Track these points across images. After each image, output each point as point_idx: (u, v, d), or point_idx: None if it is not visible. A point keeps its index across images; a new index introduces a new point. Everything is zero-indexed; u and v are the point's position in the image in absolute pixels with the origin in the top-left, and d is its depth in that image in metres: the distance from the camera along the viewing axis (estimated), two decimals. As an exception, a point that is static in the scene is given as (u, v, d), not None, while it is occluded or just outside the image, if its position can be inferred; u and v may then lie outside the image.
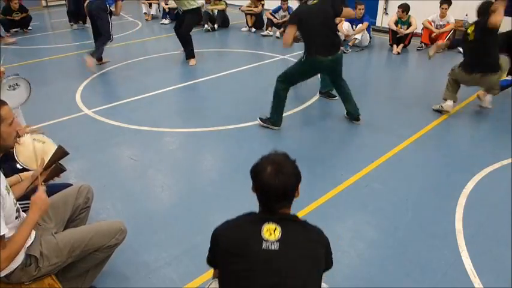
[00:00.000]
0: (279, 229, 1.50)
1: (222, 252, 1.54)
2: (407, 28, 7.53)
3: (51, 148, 2.17)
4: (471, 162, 3.76)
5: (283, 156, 1.57)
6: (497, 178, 3.48)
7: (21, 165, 2.16)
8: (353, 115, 4.45)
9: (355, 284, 2.41)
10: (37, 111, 4.67)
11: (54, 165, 2.06)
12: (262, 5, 9.44)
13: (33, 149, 2.18)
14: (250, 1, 9.51)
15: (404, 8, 7.41)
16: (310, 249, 1.53)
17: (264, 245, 1.46)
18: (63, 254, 1.91)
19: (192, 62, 6.60)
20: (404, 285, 2.39)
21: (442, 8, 7.44)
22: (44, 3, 12.81)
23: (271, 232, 1.49)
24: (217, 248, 1.57)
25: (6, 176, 1.94)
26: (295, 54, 7.48)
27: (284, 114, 4.47)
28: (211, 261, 1.68)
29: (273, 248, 1.46)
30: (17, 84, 2.65)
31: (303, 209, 3.05)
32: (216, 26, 9.46)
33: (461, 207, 3.08)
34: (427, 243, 2.73)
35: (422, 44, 7.77)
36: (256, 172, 1.54)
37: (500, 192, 3.29)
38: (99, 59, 6.44)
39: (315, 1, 3.97)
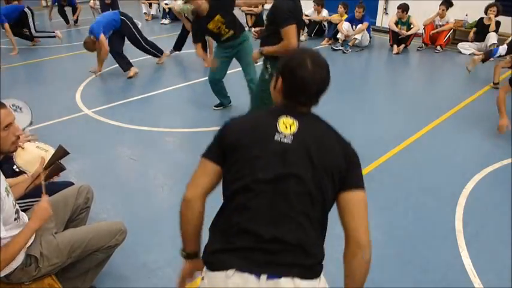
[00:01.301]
0: (296, 124, 1.33)
1: (228, 144, 1.36)
2: (408, 28, 7.52)
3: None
4: (471, 162, 3.76)
5: (317, 52, 1.41)
6: (497, 178, 3.48)
7: (17, 168, 2.16)
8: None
9: (355, 284, 2.41)
10: (37, 111, 4.65)
11: (54, 164, 2.06)
12: (263, 5, 9.43)
13: (34, 155, 2.18)
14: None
15: (404, 8, 7.41)
16: (330, 155, 1.32)
17: (277, 137, 1.31)
18: (63, 254, 1.91)
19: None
20: (404, 285, 2.39)
21: (441, 9, 7.45)
22: (44, 3, 12.82)
23: (287, 125, 1.33)
24: (223, 139, 1.39)
25: (6, 177, 1.94)
26: (295, 54, 7.48)
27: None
28: (210, 154, 1.41)
29: (285, 141, 1.31)
30: (20, 108, 2.59)
31: (303, 209, 3.05)
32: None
33: (461, 207, 3.08)
34: (427, 243, 2.73)
35: (423, 44, 7.77)
36: (293, 67, 1.36)
37: (500, 192, 3.29)
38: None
39: None
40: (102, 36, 5.72)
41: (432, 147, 4.08)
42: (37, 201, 2.12)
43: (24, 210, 1.94)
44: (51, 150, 2.27)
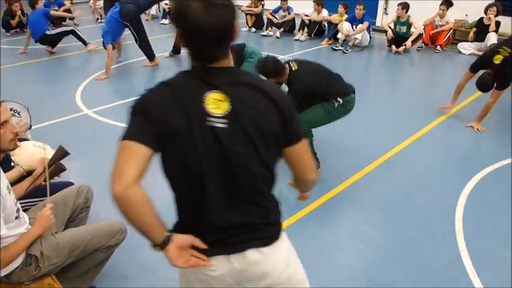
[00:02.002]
0: (227, 100, 1.19)
1: (157, 124, 1.18)
2: (407, 28, 7.53)
3: (50, 155, 2.17)
4: (471, 162, 3.76)
5: None
6: (497, 178, 3.49)
7: (14, 165, 2.16)
8: None
9: (355, 284, 2.41)
10: (37, 111, 4.66)
11: (55, 165, 2.06)
12: (262, 5, 9.44)
13: (30, 153, 2.18)
14: (250, 1, 9.51)
15: (404, 6, 7.39)
16: (267, 121, 1.22)
17: (209, 122, 1.18)
18: (63, 254, 1.91)
19: None
20: (404, 285, 2.39)
21: (441, 9, 7.46)
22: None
23: (217, 104, 1.18)
24: (149, 118, 1.19)
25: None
26: (294, 54, 7.49)
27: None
28: (136, 135, 1.18)
29: (219, 126, 1.18)
30: (18, 113, 2.58)
31: (303, 209, 3.05)
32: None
33: (461, 207, 3.08)
34: (427, 243, 2.73)
35: (423, 44, 7.78)
36: (179, 15, 1.15)
37: (500, 192, 3.29)
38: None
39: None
40: (109, 46, 5.98)
41: (432, 147, 4.08)
42: (37, 201, 2.13)
43: (24, 211, 1.93)
44: (48, 149, 2.27)
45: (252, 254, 1.29)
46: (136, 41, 6.35)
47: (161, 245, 1.23)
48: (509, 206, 3.09)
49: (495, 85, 4.25)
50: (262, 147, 1.23)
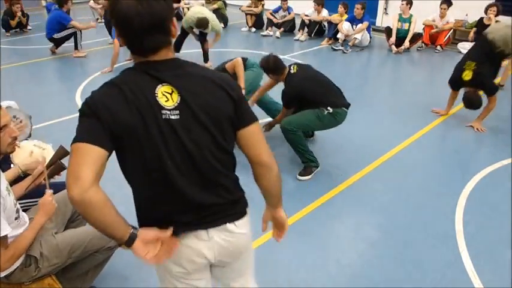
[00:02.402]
0: (175, 91, 1.22)
1: (112, 124, 1.18)
2: (409, 26, 7.54)
3: (50, 155, 2.17)
4: (471, 162, 3.76)
5: None
6: (497, 178, 3.48)
7: (14, 165, 2.16)
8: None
9: (355, 284, 2.41)
10: (37, 111, 4.66)
11: (55, 164, 2.07)
12: (263, 5, 9.44)
13: (30, 154, 2.18)
14: (250, 1, 9.51)
15: (408, 1, 7.45)
16: (220, 109, 1.27)
17: (164, 115, 1.21)
18: (63, 255, 1.91)
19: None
20: (404, 285, 2.39)
21: (442, 9, 7.46)
22: (43, 3, 12.80)
23: (168, 97, 1.21)
24: (102, 118, 1.18)
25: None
26: (295, 54, 7.49)
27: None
28: (90, 137, 1.17)
29: (173, 117, 1.22)
30: (20, 121, 2.58)
31: (303, 209, 3.05)
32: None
33: (461, 208, 3.08)
34: (427, 243, 2.73)
35: (423, 44, 7.78)
36: (111, 5, 1.17)
37: (500, 192, 3.29)
38: None
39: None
40: (115, 41, 5.99)
41: (432, 147, 4.08)
42: (37, 201, 2.12)
43: (24, 211, 1.93)
44: (49, 148, 2.27)
45: (229, 226, 1.40)
46: None
47: (127, 243, 1.22)
48: (509, 206, 3.09)
49: (485, 93, 4.30)
50: (216, 132, 1.28)
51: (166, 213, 1.33)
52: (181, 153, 1.25)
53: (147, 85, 1.22)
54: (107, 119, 1.17)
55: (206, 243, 1.37)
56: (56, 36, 6.99)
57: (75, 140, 1.18)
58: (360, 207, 3.12)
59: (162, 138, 1.22)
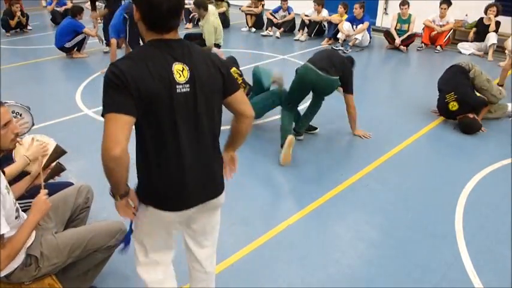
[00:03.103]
0: (186, 68, 1.52)
1: (139, 94, 1.42)
2: (408, 26, 7.54)
3: (50, 148, 2.18)
4: (471, 162, 3.76)
5: None
6: (497, 178, 3.49)
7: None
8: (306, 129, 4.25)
9: (355, 284, 2.41)
10: (37, 111, 4.65)
11: (55, 165, 2.07)
12: (263, 5, 9.44)
13: (32, 142, 2.20)
14: (250, 1, 9.51)
15: (407, 4, 7.48)
16: (214, 82, 1.60)
17: (178, 89, 1.50)
18: (63, 254, 1.91)
19: None
20: (404, 285, 2.39)
21: (442, 8, 7.46)
22: (43, 3, 12.80)
23: (180, 73, 1.50)
24: (129, 89, 1.41)
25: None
26: (295, 54, 7.49)
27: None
28: (121, 108, 1.41)
29: (184, 90, 1.51)
30: (20, 115, 2.59)
31: (303, 209, 3.05)
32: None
33: (461, 207, 3.09)
34: (427, 243, 2.73)
35: (423, 44, 7.78)
36: None
37: (500, 192, 3.29)
38: None
39: None
40: (112, 40, 5.98)
41: (432, 147, 4.08)
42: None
43: (23, 211, 1.93)
44: (49, 141, 2.27)
45: (221, 198, 1.77)
46: (125, 38, 6.11)
47: (122, 195, 1.56)
48: (509, 206, 3.09)
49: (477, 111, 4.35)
50: (214, 101, 1.62)
51: (176, 182, 1.60)
52: (189, 120, 1.54)
53: (164, 62, 1.48)
54: (135, 89, 1.41)
55: (187, 215, 1.69)
56: (68, 45, 6.98)
57: (108, 110, 1.41)
58: (360, 207, 3.12)
59: (177, 106, 1.50)
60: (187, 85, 1.51)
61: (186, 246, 1.91)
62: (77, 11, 6.98)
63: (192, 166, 1.60)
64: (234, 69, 4.36)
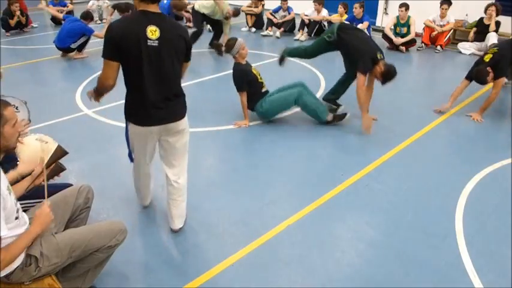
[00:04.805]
0: (158, 30, 2.21)
1: (120, 45, 2.18)
2: (407, 29, 7.53)
3: (53, 148, 2.17)
4: (471, 162, 3.76)
5: None
6: (497, 178, 3.49)
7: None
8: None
9: (355, 283, 2.41)
10: (37, 111, 4.66)
11: (54, 165, 2.06)
12: (263, 5, 9.44)
13: (34, 149, 2.18)
14: (250, 1, 9.50)
15: (406, 7, 7.44)
16: (178, 45, 2.33)
17: (149, 43, 2.20)
18: (63, 254, 1.91)
19: None
20: (404, 285, 2.39)
21: (442, 8, 7.45)
22: (44, 3, 12.80)
23: (153, 32, 2.20)
24: (114, 41, 2.18)
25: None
26: (295, 54, 7.47)
27: (284, 115, 4.54)
28: (111, 55, 2.23)
29: (154, 44, 2.21)
30: (16, 107, 2.61)
31: (303, 209, 3.05)
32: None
33: (461, 207, 3.09)
34: (427, 243, 2.73)
35: (423, 44, 7.77)
36: None
37: (500, 192, 3.29)
38: None
39: None
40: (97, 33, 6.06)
41: (432, 147, 4.08)
42: (37, 202, 2.13)
43: (24, 211, 1.93)
44: (51, 141, 2.27)
45: (184, 122, 2.57)
46: None
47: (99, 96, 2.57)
48: (509, 206, 3.09)
49: (494, 76, 4.48)
50: (176, 59, 2.36)
51: (143, 105, 2.37)
52: (155, 66, 2.27)
53: (143, 24, 2.20)
54: (117, 42, 2.18)
55: (161, 128, 2.47)
56: (74, 46, 6.99)
57: (103, 56, 2.25)
58: (360, 207, 3.12)
59: (146, 55, 2.22)
60: (157, 41, 2.21)
61: (163, 169, 2.70)
62: (89, 17, 7.04)
63: (155, 96, 2.33)
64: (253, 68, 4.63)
